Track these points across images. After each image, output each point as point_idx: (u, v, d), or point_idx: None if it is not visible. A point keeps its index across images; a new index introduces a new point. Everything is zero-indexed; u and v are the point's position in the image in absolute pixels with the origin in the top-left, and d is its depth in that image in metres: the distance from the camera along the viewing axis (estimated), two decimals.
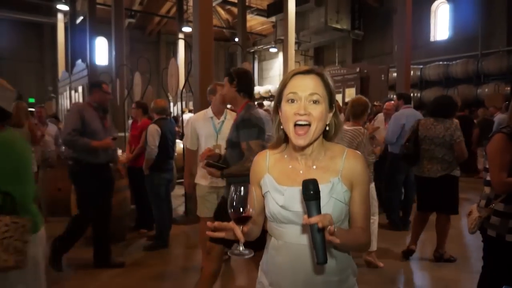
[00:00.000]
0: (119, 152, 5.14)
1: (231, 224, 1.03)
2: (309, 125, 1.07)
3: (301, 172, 1.14)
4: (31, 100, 16.50)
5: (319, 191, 0.95)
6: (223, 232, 1.05)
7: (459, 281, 3.25)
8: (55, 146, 5.80)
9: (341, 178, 1.13)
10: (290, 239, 1.14)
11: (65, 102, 14.02)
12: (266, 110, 7.39)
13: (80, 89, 12.33)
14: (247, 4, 15.76)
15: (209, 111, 3.21)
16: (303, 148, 1.13)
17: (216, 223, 1.04)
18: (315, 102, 1.08)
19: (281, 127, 1.16)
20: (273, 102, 10.54)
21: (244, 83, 2.40)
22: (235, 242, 1.07)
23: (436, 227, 3.62)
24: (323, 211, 0.97)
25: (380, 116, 5.69)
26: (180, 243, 4.28)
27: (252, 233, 1.22)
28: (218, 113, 3.18)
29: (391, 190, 4.85)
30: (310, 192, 0.94)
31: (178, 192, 6.30)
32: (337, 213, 1.10)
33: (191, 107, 10.26)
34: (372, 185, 3.41)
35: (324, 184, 1.08)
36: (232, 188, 1.04)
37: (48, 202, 5.31)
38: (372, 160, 3.35)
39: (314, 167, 1.14)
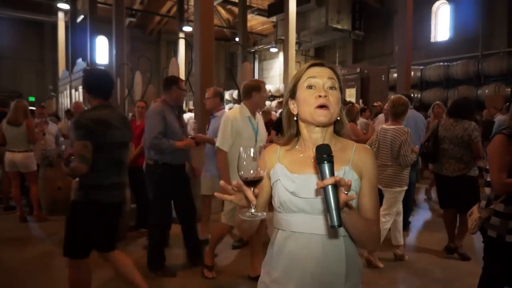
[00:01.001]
0: None
1: (242, 186, 0.99)
2: (328, 107, 1.11)
3: (311, 160, 1.14)
4: (31, 99, 16.50)
5: (332, 154, 0.95)
6: (232, 195, 1.01)
7: (459, 281, 3.25)
8: (55, 145, 5.80)
9: (351, 167, 1.15)
10: (299, 228, 1.13)
11: (65, 101, 14.02)
12: (264, 112, 7.38)
13: (80, 88, 12.33)
14: (247, 3, 15.77)
15: (245, 110, 3.10)
16: (321, 129, 1.16)
17: (234, 183, 1.00)
18: (332, 88, 1.14)
19: (294, 119, 1.20)
20: (273, 103, 10.52)
21: (93, 84, 2.46)
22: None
23: (459, 222, 3.73)
24: None
25: (381, 116, 5.69)
26: (180, 242, 4.27)
27: (253, 224, 1.19)
28: (254, 112, 3.16)
29: None
30: (323, 155, 0.94)
31: None
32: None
33: (191, 107, 10.26)
34: (403, 189, 3.48)
35: (336, 171, 1.07)
36: (242, 150, 1.02)
37: (48, 201, 5.31)
38: (414, 158, 3.41)
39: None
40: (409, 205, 4.83)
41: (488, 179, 2.21)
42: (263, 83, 3.21)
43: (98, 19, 12.26)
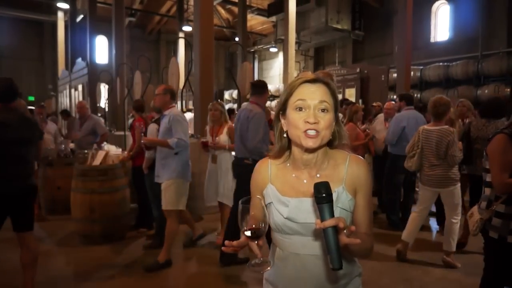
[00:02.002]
0: (119, 151, 5.14)
1: (245, 240, 1.01)
2: (318, 133, 1.05)
3: (304, 181, 1.13)
4: (31, 99, 16.50)
5: (331, 193, 0.93)
6: (238, 248, 1.03)
7: (460, 281, 3.25)
8: (54, 144, 5.80)
9: (345, 186, 1.12)
10: (296, 250, 1.13)
11: (65, 101, 14.02)
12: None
13: (80, 87, 12.34)
14: (247, 3, 15.77)
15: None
16: (311, 151, 1.10)
17: (235, 243, 1.01)
18: (323, 110, 1.07)
19: (284, 135, 1.14)
20: (272, 102, 10.50)
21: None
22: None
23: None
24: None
25: (380, 116, 5.69)
26: (180, 242, 4.28)
27: None
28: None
29: (391, 190, 4.87)
30: (323, 195, 0.92)
31: None
32: None
33: (191, 106, 10.26)
34: (458, 185, 3.50)
35: None
36: (241, 206, 1.01)
37: (48, 200, 5.31)
38: (461, 156, 3.45)
39: (318, 175, 1.12)
40: (408, 205, 4.85)
41: (488, 179, 2.21)
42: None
43: (98, 19, 12.24)
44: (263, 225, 1.02)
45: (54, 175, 5.28)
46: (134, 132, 4.80)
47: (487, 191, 2.21)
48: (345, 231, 0.89)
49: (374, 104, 6.92)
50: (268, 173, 1.19)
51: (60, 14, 15.48)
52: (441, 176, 3.46)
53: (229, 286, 3.19)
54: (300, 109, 1.07)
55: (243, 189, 3.37)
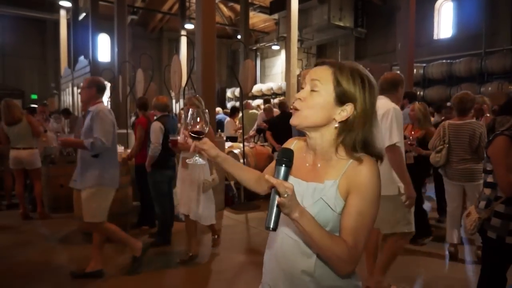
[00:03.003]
0: (122, 148, 5.15)
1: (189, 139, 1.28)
2: (298, 110, 1.08)
3: (307, 165, 1.15)
4: (34, 97, 16.54)
5: (292, 161, 0.97)
6: (192, 146, 1.28)
7: (462, 280, 3.25)
8: (57, 142, 5.82)
9: (338, 182, 1.05)
10: (282, 227, 1.12)
11: (67, 99, 14.05)
12: (266, 110, 7.36)
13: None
14: (249, 1, 15.72)
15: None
16: (307, 134, 1.12)
17: (184, 132, 1.31)
18: (313, 90, 1.06)
19: None
20: (275, 100, 10.46)
21: None
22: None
23: None
24: (309, 209, 0.99)
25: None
26: (182, 239, 4.29)
27: (245, 181, 1.39)
28: None
29: None
30: (282, 158, 0.96)
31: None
32: (322, 218, 1.03)
33: None
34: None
35: (318, 183, 1.08)
36: (190, 111, 1.29)
37: (51, 198, 5.33)
38: None
39: (319, 165, 1.12)
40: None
41: (488, 179, 2.20)
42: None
43: (100, 17, 12.25)
44: (202, 128, 1.28)
45: (57, 173, 5.29)
46: (136, 130, 4.80)
47: (486, 191, 2.21)
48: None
49: None
50: (292, 146, 1.25)
51: (63, 12, 15.48)
52: (470, 170, 3.48)
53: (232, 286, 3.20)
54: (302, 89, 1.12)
55: None
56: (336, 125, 1.06)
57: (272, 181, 0.90)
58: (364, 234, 1.02)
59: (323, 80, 1.05)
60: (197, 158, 1.36)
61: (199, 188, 3.57)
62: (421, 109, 4.17)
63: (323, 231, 0.98)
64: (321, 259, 1.06)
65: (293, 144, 1.26)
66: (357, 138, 1.05)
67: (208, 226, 3.95)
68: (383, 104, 2.73)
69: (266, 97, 9.87)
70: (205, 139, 1.30)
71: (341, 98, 1.04)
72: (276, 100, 11.44)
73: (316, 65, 1.12)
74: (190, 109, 1.30)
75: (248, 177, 1.40)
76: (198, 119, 1.29)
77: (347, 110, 1.05)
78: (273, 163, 1.32)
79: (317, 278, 1.08)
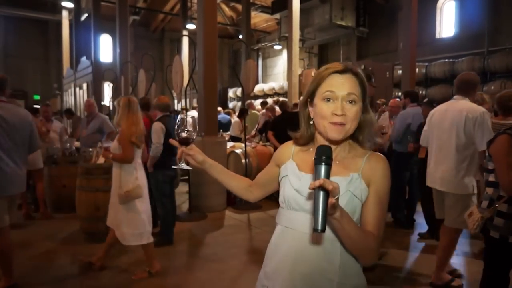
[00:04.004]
0: None
1: (178, 144, 1.29)
2: (344, 124, 1.07)
3: None
4: (36, 97, 16.61)
5: (331, 157, 0.92)
6: (179, 151, 1.30)
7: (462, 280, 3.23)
8: (60, 142, 5.83)
9: (361, 175, 1.12)
10: (297, 227, 1.13)
11: (70, 99, 14.10)
12: (268, 109, 7.35)
13: (84, 86, 12.40)
14: (251, 1, 15.72)
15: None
16: (335, 142, 1.12)
17: (172, 141, 1.32)
18: (351, 102, 1.08)
19: (311, 122, 1.17)
20: (270, 100, 10.36)
21: None
22: None
23: None
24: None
25: (386, 113, 5.66)
26: (184, 240, 4.30)
27: (234, 188, 1.39)
28: None
29: (396, 188, 4.84)
30: (321, 156, 0.91)
31: (182, 189, 6.32)
32: (350, 208, 1.08)
33: (195, 104, 10.26)
34: None
35: (343, 176, 1.09)
36: (179, 117, 1.30)
37: (53, 198, 5.35)
38: None
39: (337, 162, 1.13)
40: (413, 203, 4.82)
41: (490, 179, 2.19)
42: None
43: (102, 17, 12.28)
44: (190, 134, 1.30)
45: (60, 173, 5.31)
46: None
47: (489, 190, 2.21)
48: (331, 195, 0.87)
49: (378, 101, 6.89)
50: (291, 151, 1.26)
51: (65, 13, 15.54)
52: None
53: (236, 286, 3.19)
54: (328, 100, 1.09)
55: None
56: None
57: (320, 183, 0.86)
58: (384, 223, 1.13)
59: (355, 90, 1.09)
60: (183, 163, 1.35)
61: (114, 193, 3.24)
62: None
63: (357, 227, 1.04)
64: (344, 262, 1.10)
65: (292, 147, 1.27)
66: (366, 133, 1.15)
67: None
68: (468, 106, 2.88)
69: (263, 101, 9.87)
70: (192, 145, 1.31)
71: (365, 100, 1.13)
72: (270, 101, 11.41)
73: (336, 72, 1.10)
74: (179, 115, 1.32)
75: (236, 184, 1.39)
76: (186, 125, 1.29)
77: (363, 110, 1.13)
78: (268, 168, 1.36)
79: (339, 282, 1.10)
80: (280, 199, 1.20)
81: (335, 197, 0.87)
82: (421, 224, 4.78)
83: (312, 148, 1.20)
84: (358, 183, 1.10)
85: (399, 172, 4.74)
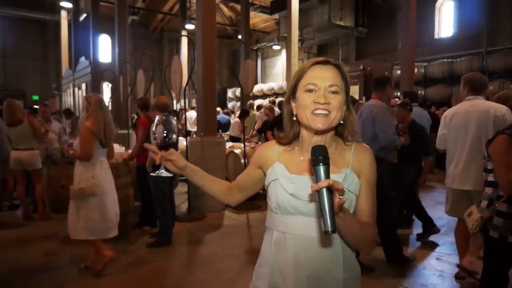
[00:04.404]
0: (123, 149, 5.16)
1: (155, 148, 1.19)
2: (328, 113, 1.06)
3: None
4: (35, 98, 16.58)
5: (328, 156, 0.91)
6: (158, 157, 1.19)
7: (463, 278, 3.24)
8: (58, 143, 5.82)
9: (352, 169, 1.12)
10: (296, 231, 1.10)
11: (68, 99, 14.08)
12: (267, 109, 7.35)
13: (83, 86, 12.38)
14: (250, 1, 15.72)
15: None
16: (320, 133, 1.10)
17: (148, 145, 1.21)
18: (334, 92, 1.07)
19: (294, 118, 1.15)
20: (276, 100, 10.40)
21: None
22: None
23: None
24: None
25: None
26: (183, 240, 4.30)
27: (215, 192, 1.31)
28: None
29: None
30: (319, 157, 0.90)
31: (181, 189, 6.32)
32: (347, 204, 1.08)
33: (194, 104, 10.26)
34: None
35: (337, 174, 1.08)
36: (157, 119, 1.21)
37: (52, 199, 5.33)
38: None
39: None
40: (412, 202, 4.82)
41: (489, 179, 2.20)
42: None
43: (101, 18, 12.26)
44: (170, 137, 1.20)
45: (58, 173, 5.29)
46: (137, 131, 4.80)
47: (488, 190, 2.21)
48: (337, 194, 0.87)
49: None
50: (275, 152, 1.20)
51: (64, 13, 15.52)
52: None
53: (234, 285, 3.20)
54: (311, 90, 1.08)
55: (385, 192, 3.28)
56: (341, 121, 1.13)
57: (322, 184, 0.86)
58: (375, 212, 1.14)
59: (338, 81, 1.09)
60: (162, 170, 1.25)
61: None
62: None
63: (357, 221, 1.07)
64: (346, 258, 1.11)
65: (275, 147, 1.22)
66: (349, 129, 1.15)
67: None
68: (493, 105, 2.96)
69: (258, 105, 9.89)
70: (172, 149, 1.21)
71: (347, 94, 1.12)
72: (266, 101, 11.41)
73: (316, 63, 1.11)
74: (156, 117, 1.21)
75: (218, 188, 1.32)
76: (164, 128, 1.19)
77: (347, 103, 1.13)
78: (249, 170, 1.28)
79: (344, 279, 1.11)
80: (273, 204, 1.15)
81: (342, 196, 0.87)
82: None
83: (297, 147, 1.18)
84: (351, 178, 1.11)
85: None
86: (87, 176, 3.18)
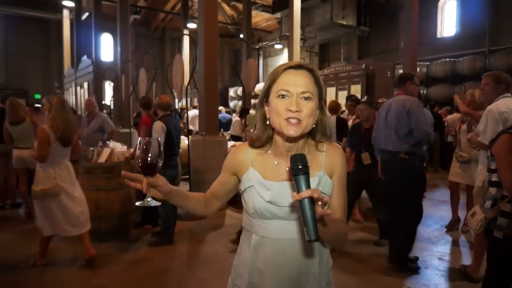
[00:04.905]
0: (125, 148, 5.17)
1: (140, 176, 1.08)
2: (300, 121, 1.05)
3: (286, 169, 1.13)
4: (37, 96, 16.59)
5: (308, 165, 0.92)
6: (138, 183, 1.09)
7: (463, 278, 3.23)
8: None
9: (324, 171, 1.14)
10: (276, 234, 1.12)
11: (70, 98, 14.10)
12: None
13: (85, 85, 12.39)
14: (252, 0, 15.70)
15: None
16: (293, 139, 1.10)
17: (127, 173, 1.08)
18: (306, 98, 1.06)
19: (267, 122, 1.14)
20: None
21: None
22: None
23: None
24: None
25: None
26: (185, 239, 4.30)
27: (195, 208, 1.27)
28: None
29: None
30: (299, 166, 0.91)
31: (182, 188, 6.32)
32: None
33: (196, 104, 10.26)
34: None
35: (311, 178, 1.07)
36: (139, 141, 1.10)
37: None
38: None
39: None
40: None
41: (493, 179, 2.19)
42: None
43: (103, 17, 12.28)
44: (157, 161, 1.08)
45: None
46: (140, 130, 4.81)
47: (492, 190, 2.20)
48: (320, 203, 0.88)
49: (380, 100, 6.88)
50: (249, 157, 1.18)
51: (66, 12, 15.53)
52: None
53: None
54: (283, 96, 1.06)
55: (397, 188, 3.28)
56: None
57: (304, 194, 0.87)
58: (346, 208, 1.20)
59: (310, 88, 1.08)
60: (149, 199, 1.13)
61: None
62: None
63: (333, 221, 1.08)
64: (320, 253, 1.15)
65: (249, 151, 1.19)
66: (322, 132, 1.15)
67: None
68: None
69: (254, 103, 9.88)
70: (157, 174, 1.12)
71: (321, 99, 1.12)
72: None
73: (289, 67, 1.10)
74: (140, 138, 1.10)
75: (197, 204, 1.28)
76: (150, 150, 1.08)
77: (320, 107, 1.13)
78: (223, 178, 1.24)
79: (320, 273, 1.16)
80: (250, 210, 1.16)
81: (326, 204, 0.89)
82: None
83: (271, 150, 1.17)
84: (324, 180, 1.13)
85: None
86: (49, 177, 3.22)
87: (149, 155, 1.08)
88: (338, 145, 1.21)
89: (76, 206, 3.34)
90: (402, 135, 3.27)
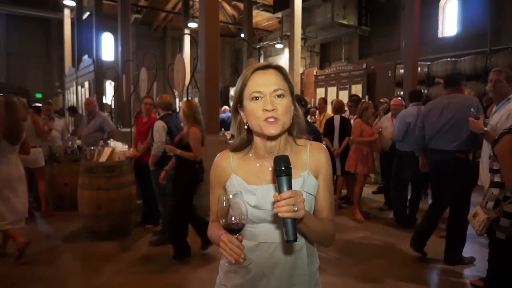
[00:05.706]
0: (125, 147, 5.17)
1: (229, 237, 0.99)
2: (278, 119, 1.06)
3: (269, 169, 1.13)
4: (38, 96, 16.61)
5: (290, 167, 0.94)
6: (237, 248, 0.99)
7: (463, 278, 3.23)
8: (61, 141, 5.84)
9: (309, 171, 1.14)
10: (263, 238, 1.12)
11: (71, 98, 14.11)
12: None
13: (86, 84, 12.40)
14: None
15: None
16: (274, 138, 1.11)
17: (233, 241, 0.98)
18: (279, 96, 1.07)
19: (245, 127, 1.14)
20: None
21: None
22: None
23: None
24: None
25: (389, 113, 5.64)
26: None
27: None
28: None
29: (398, 187, 4.83)
30: (282, 168, 0.93)
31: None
32: (308, 206, 1.11)
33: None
34: None
35: (295, 179, 1.08)
36: (220, 197, 1.01)
37: (55, 197, 5.36)
38: None
39: None
40: (416, 203, 4.81)
41: (496, 179, 2.18)
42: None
43: (104, 16, 12.26)
44: (243, 218, 0.99)
45: (61, 171, 5.32)
46: (142, 129, 4.80)
47: (494, 191, 2.19)
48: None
49: (381, 100, 6.87)
50: (230, 164, 1.18)
51: (67, 12, 15.53)
52: None
53: None
54: (257, 98, 1.07)
55: (457, 186, 3.33)
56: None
57: (285, 195, 0.90)
58: (333, 207, 1.21)
59: (282, 85, 1.09)
60: (226, 263, 1.10)
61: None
62: None
63: (318, 220, 1.11)
64: (309, 253, 1.16)
65: (230, 158, 1.19)
66: (298, 127, 1.16)
67: None
68: None
69: None
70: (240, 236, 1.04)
71: (292, 95, 1.12)
72: None
73: (257, 69, 1.11)
74: (222, 197, 1.01)
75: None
76: (234, 207, 0.99)
77: (294, 104, 1.13)
78: (215, 195, 1.20)
79: (310, 272, 1.17)
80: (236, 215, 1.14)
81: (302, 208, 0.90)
82: None
83: (251, 153, 1.17)
84: (309, 181, 1.13)
85: (401, 171, 4.73)
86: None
87: (231, 212, 0.99)
88: (322, 145, 1.22)
89: (20, 200, 3.56)
90: (467, 135, 3.29)
